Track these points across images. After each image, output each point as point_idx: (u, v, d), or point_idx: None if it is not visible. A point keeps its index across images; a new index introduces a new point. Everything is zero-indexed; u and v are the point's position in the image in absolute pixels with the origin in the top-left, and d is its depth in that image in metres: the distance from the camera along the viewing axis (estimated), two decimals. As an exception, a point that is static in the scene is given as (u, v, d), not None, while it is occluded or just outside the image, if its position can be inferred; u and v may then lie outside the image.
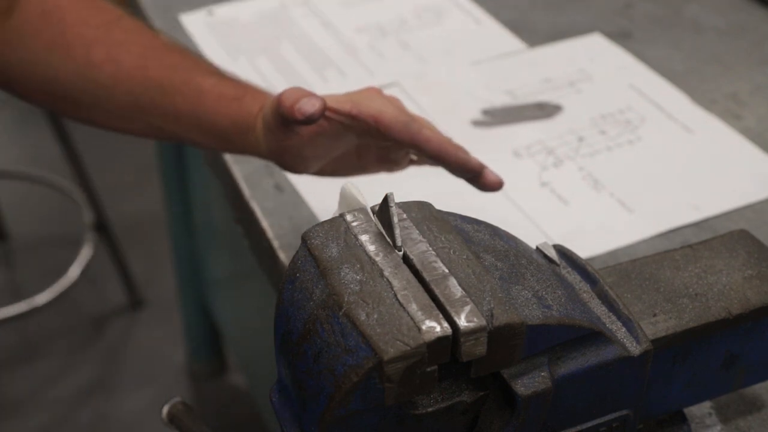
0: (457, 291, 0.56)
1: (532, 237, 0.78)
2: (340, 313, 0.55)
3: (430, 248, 0.59)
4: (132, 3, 1.34)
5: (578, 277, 0.64)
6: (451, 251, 0.59)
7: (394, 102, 0.79)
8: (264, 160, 0.82)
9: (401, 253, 0.59)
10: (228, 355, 1.97)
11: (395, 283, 0.56)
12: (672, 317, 0.62)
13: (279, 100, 0.73)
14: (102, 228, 2.11)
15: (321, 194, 0.96)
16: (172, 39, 0.88)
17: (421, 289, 0.56)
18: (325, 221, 0.62)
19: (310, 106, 0.72)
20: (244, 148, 0.81)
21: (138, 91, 0.80)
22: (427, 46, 1.23)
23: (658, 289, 0.64)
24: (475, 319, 0.54)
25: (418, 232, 0.60)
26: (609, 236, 0.92)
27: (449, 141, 0.79)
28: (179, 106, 0.79)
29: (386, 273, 0.57)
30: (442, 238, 0.60)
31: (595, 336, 0.59)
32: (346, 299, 0.55)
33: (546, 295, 0.58)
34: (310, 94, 0.73)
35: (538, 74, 1.16)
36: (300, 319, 0.57)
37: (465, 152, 0.79)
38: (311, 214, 0.94)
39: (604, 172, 1.01)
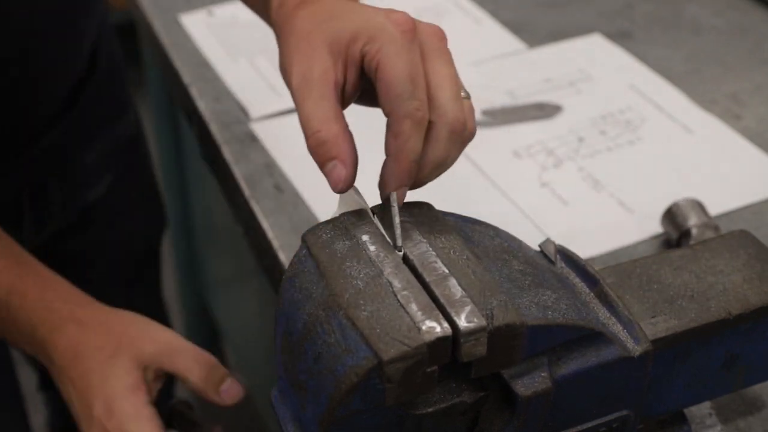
0: (457, 291, 0.56)
1: (532, 237, 0.78)
2: (340, 313, 0.55)
3: (431, 249, 0.59)
4: (132, 3, 1.34)
5: (578, 278, 0.64)
6: (452, 252, 0.59)
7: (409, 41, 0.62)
8: None
9: (401, 253, 0.59)
10: (228, 355, 1.97)
11: (395, 283, 0.56)
12: (672, 317, 0.62)
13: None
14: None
15: (321, 194, 0.96)
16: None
17: (421, 289, 0.56)
18: (326, 221, 0.62)
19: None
20: None
21: None
22: (427, 46, 1.23)
23: (658, 290, 0.64)
24: (475, 320, 0.54)
25: (418, 232, 0.60)
26: (609, 236, 0.92)
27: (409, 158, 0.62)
28: None
29: (386, 273, 0.57)
30: (443, 239, 0.60)
31: (595, 336, 0.59)
32: (346, 299, 0.55)
33: (546, 296, 0.58)
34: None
35: (538, 74, 1.16)
36: (300, 319, 0.57)
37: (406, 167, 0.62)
38: (311, 214, 0.94)
39: (604, 172, 1.01)
